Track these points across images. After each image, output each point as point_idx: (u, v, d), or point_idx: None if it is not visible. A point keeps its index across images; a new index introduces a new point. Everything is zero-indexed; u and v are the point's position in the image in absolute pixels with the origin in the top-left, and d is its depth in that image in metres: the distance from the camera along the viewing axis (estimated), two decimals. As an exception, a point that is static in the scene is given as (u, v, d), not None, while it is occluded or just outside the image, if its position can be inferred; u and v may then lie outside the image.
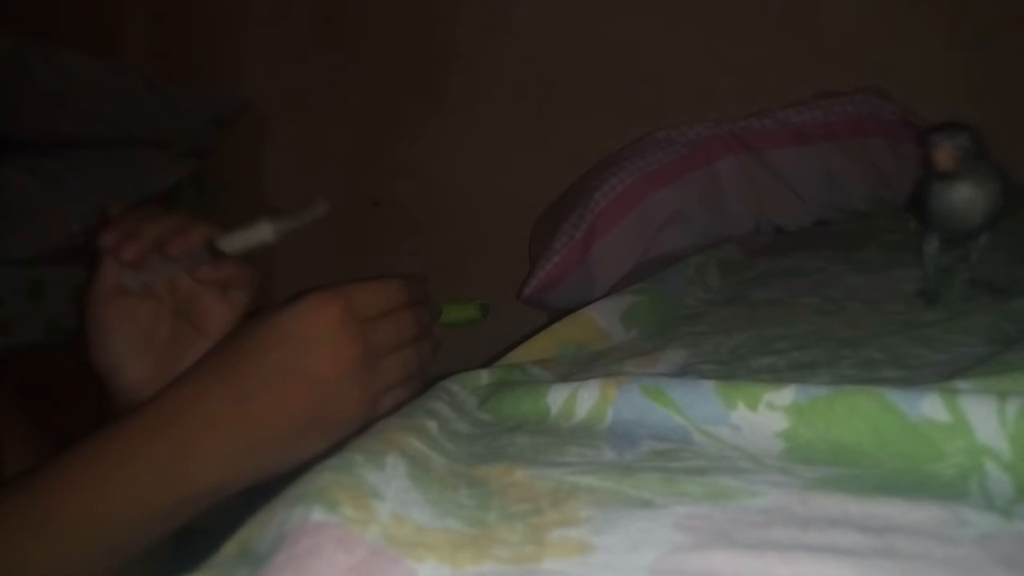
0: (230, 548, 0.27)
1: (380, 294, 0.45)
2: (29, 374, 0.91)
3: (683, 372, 0.46)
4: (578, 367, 0.50)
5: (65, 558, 0.39)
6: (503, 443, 0.36)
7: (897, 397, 0.31)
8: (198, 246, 0.49)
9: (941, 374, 0.40)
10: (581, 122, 1.31)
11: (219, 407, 0.41)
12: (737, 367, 0.45)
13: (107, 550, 0.39)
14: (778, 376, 0.43)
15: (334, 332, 0.42)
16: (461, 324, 1.14)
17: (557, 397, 0.39)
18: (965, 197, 0.53)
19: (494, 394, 0.43)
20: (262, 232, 0.50)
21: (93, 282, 0.50)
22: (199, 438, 0.40)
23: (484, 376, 0.47)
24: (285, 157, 1.47)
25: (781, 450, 0.32)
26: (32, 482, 0.39)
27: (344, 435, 0.43)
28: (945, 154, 0.51)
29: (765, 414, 0.33)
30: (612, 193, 1.01)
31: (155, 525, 0.40)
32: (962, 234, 0.57)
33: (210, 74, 1.47)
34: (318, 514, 0.25)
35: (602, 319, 0.57)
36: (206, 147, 1.36)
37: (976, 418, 0.29)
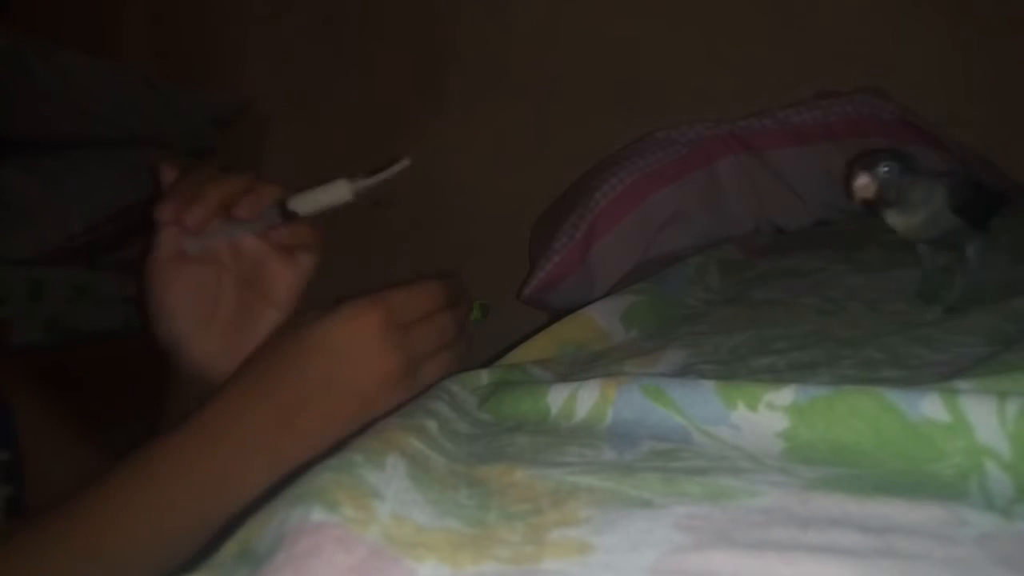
0: (230, 548, 0.27)
1: (419, 298, 0.45)
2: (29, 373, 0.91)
3: (683, 372, 0.46)
4: (578, 367, 0.50)
5: (118, 572, 0.39)
6: (503, 443, 0.36)
7: (897, 397, 0.31)
8: (268, 207, 0.47)
9: (941, 374, 0.40)
10: (581, 122, 1.31)
11: (264, 423, 0.41)
12: (737, 367, 0.45)
13: (158, 561, 0.40)
14: (778, 376, 0.43)
15: (376, 343, 0.42)
16: (461, 324, 1.14)
17: (557, 397, 0.39)
18: (897, 224, 0.53)
19: (494, 394, 0.43)
20: (339, 191, 0.48)
21: (152, 250, 0.48)
22: (246, 454, 0.40)
23: (484, 376, 0.47)
24: (285, 157, 1.47)
25: (781, 450, 0.32)
26: (84, 502, 0.40)
27: None
28: (860, 185, 0.51)
29: (765, 414, 0.33)
30: (612, 193, 1.01)
31: (205, 533, 0.40)
32: (940, 242, 0.56)
33: (210, 74, 1.47)
34: (318, 514, 0.25)
35: (602, 319, 0.57)
36: (206, 147, 1.36)
37: (976, 418, 0.29)
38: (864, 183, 0.50)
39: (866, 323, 0.52)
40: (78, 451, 0.56)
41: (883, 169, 0.50)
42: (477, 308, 1.16)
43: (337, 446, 0.32)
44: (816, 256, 0.75)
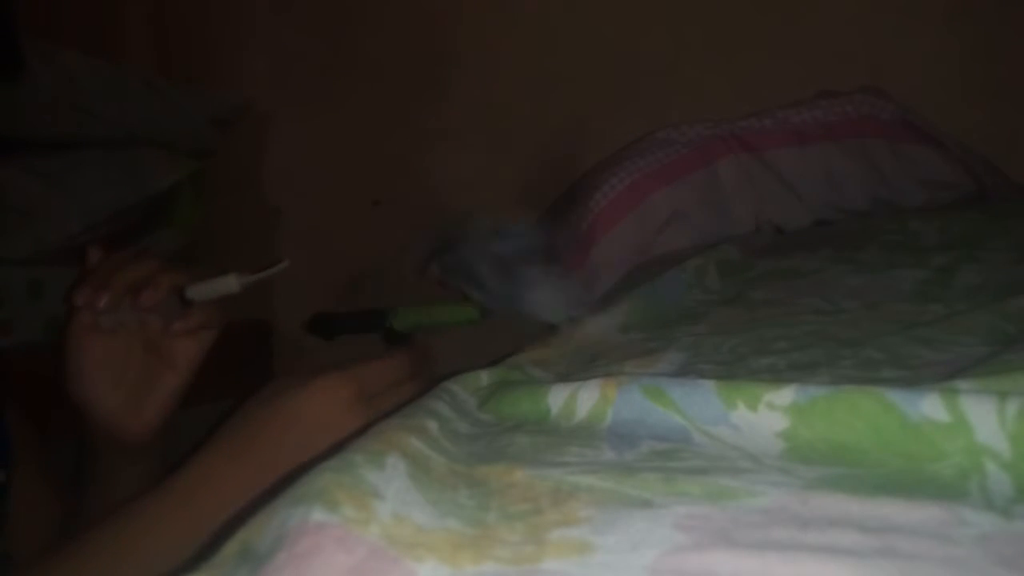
0: (230, 548, 0.27)
1: (386, 372, 0.49)
2: (29, 374, 0.91)
3: (683, 372, 0.46)
4: (578, 367, 0.50)
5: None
6: (503, 443, 0.36)
7: (897, 397, 0.31)
8: (169, 298, 0.53)
9: (941, 374, 0.40)
10: (581, 122, 1.31)
11: (238, 487, 0.43)
12: (737, 367, 0.45)
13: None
14: (778, 376, 0.43)
15: (345, 416, 0.45)
16: (461, 324, 1.14)
17: (557, 397, 0.39)
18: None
19: (494, 394, 0.43)
20: (229, 284, 0.55)
21: (69, 323, 0.54)
22: (214, 519, 0.42)
23: (484, 376, 0.47)
24: (285, 157, 1.47)
25: (781, 450, 0.32)
26: (57, 562, 0.42)
27: None
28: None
29: (765, 414, 0.33)
30: (612, 193, 1.01)
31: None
32: None
33: (210, 74, 1.47)
34: (318, 514, 0.25)
35: (602, 320, 0.57)
36: (206, 147, 1.36)
37: (976, 418, 0.29)
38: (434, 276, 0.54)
39: (866, 323, 0.52)
40: (55, 507, 0.59)
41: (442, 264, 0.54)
42: (477, 308, 1.16)
43: (335, 449, 0.32)
44: (816, 256, 0.75)
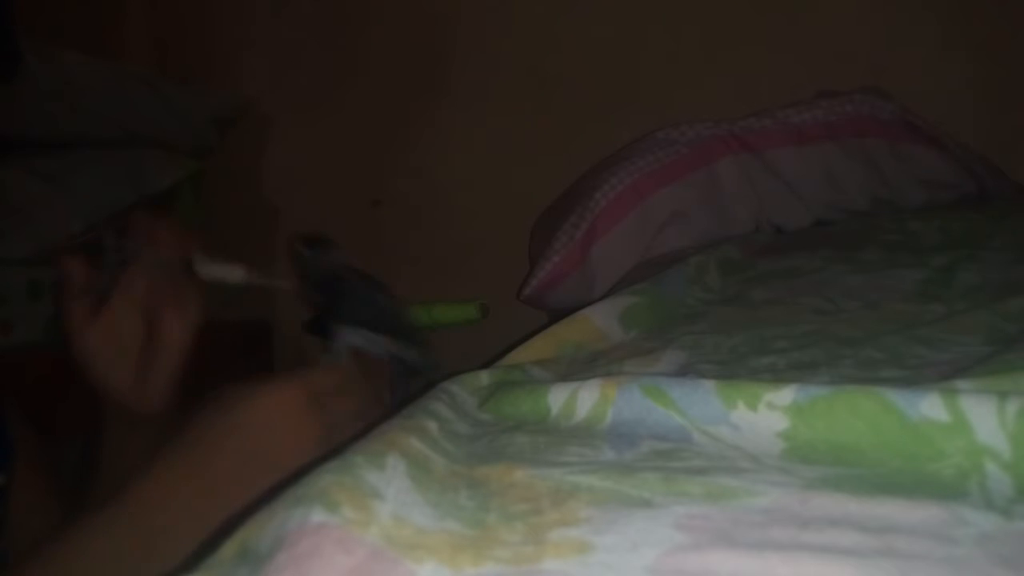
0: (230, 548, 0.27)
1: (334, 377, 0.49)
2: (30, 373, 0.91)
3: (683, 372, 0.46)
4: (578, 367, 0.50)
5: None
6: (503, 443, 0.36)
7: (897, 397, 0.30)
8: (180, 256, 0.54)
9: (941, 374, 0.40)
10: (581, 122, 1.31)
11: (191, 497, 0.44)
12: (737, 367, 0.45)
13: None
14: (778, 376, 0.43)
15: (296, 417, 0.45)
16: (461, 324, 1.14)
17: (557, 397, 0.39)
18: None
19: (494, 394, 0.43)
20: (236, 273, 0.56)
21: (66, 312, 0.54)
22: (170, 533, 0.43)
23: (484, 377, 0.47)
24: (285, 157, 1.48)
25: (781, 450, 0.32)
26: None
27: None
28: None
29: (765, 414, 0.33)
30: (612, 193, 1.01)
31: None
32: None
33: (210, 74, 1.47)
34: (318, 515, 0.25)
35: (601, 319, 0.57)
36: (206, 147, 1.36)
37: (976, 418, 0.29)
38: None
39: (866, 323, 0.52)
40: (54, 507, 0.59)
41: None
42: (477, 308, 1.16)
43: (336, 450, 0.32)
44: (816, 256, 0.75)
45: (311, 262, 0.57)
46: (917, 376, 0.40)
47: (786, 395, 0.33)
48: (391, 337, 0.57)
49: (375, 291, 0.59)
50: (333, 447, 0.45)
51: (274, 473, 0.44)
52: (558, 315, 0.59)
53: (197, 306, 0.56)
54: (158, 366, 0.54)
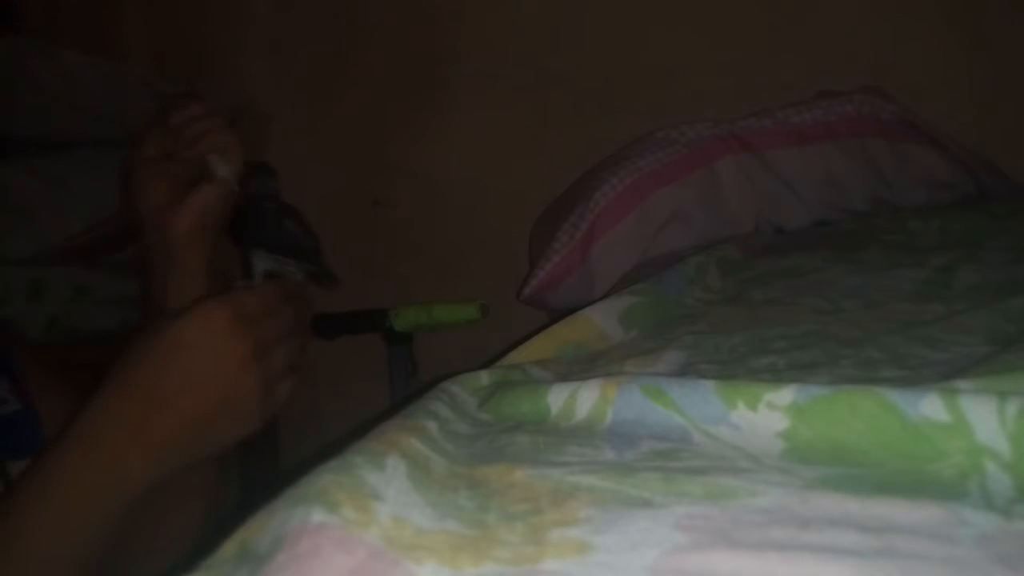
0: (230, 548, 0.27)
1: (260, 296, 0.52)
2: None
3: (683, 372, 0.46)
4: (578, 367, 0.50)
5: (37, 565, 0.45)
6: (503, 443, 0.36)
7: (897, 397, 0.30)
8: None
9: (941, 374, 0.40)
10: (581, 122, 1.31)
11: (139, 416, 0.46)
12: (737, 367, 0.45)
13: (67, 558, 0.45)
14: (778, 376, 0.43)
15: (226, 335, 0.48)
16: (461, 324, 1.14)
17: (557, 397, 0.39)
18: None
19: (494, 394, 0.43)
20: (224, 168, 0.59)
21: (139, 149, 0.60)
22: (126, 447, 0.46)
23: (484, 377, 0.47)
24: (285, 157, 1.47)
25: (781, 450, 0.32)
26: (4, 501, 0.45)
27: (250, 421, 0.50)
28: None
29: (765, 414, 0.33)
30: (612, 193, 1.01)
31: (101, 526, 0.46)
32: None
33: (210, 74, 1.47)
34: (318, 515, 0.25)
35: (601, 319, 0.57)
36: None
37: (976, 418, 0.29)
38: None
39: (866, 323, 0.52)
40: None
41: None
42: (476, 308, 1.16)
43: (339, 450, 0.32)
44: (816, 256, 0.75)
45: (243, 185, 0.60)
46: (917, 376, 0.40)
47: (786, 395, 0.33)
48: (297, 259, 0.61)
49: (284, 216, 0.62)
50: (264, 360, 0.49)
51: (210, 387, 0.48)
52: (558, 315, 0.59)
53: (239, 156, 0.60)
54: (199, 195, 0.57)
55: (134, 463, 0.46)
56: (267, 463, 1.32)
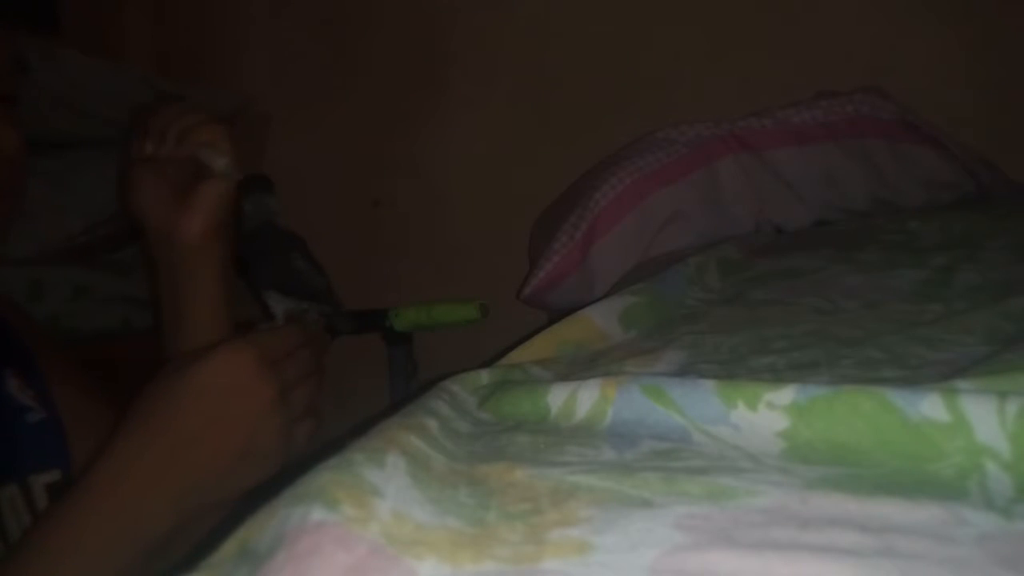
0: (229, 547, 0.27)
1: (283, 338, 0.52)
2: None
3: (683, 372, 0.46)
4: (578, 367, 0.50)
5: None
6: (503, 442, 0.36)
7: (897, 397, 0.30)
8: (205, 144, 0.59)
9: (941, 374, 0.40)
10: (581, 122, 1.31)
11: (157, 462, 0.45)
12: (737, 367, 0.45)
13: None
14: (778, 376, 0.43)
15: (252, 377, 0.47)
16: (461, 324, 1.14)
17: (557, 397, 0.39)
18: None
19: (494, 394, 0.43)
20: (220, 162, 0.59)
21: (129, 160, 0.60)
22: (145, 493, 0.45)
23: (484, 376, 0.47)
24: (285, 157, 1.47)
25: (781, 450, 0.32)
26: (20, 552, 0.44)
27: (272, 464, 0.49)
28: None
29: (765, 414, 0.33)
30: (612, 193, 1.01)
31: (128, 568, 0.45)
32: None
33: (210, 74, 1.47)
34: (318, 513, 0.25)
35: (601, 319, 0.57)
36: (206, 147, 1.36)
37: (976, 418, 0.29)
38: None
39: (866, 323, 0.52)
40: (107, 418, 0.61)
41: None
42: (476, 308, 1.16)
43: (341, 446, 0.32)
44: (816, 256, 0.75)
45: (243, 208, 0.59)
46: (917, 376, 0.40)
47: (786, 395, 0.33)
48: (312, 301, 0.60)
49: (291, 251, 0.60)
50: (287, 404, 0.48)
51: (235, 430, 0.47)
52: (558, 315, 0.59)
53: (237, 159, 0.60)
54: (205, 194, 0.57)
55: (155, 508, 0.45)
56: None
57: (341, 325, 0.64)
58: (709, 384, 0.35)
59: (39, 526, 0.45)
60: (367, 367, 1.26)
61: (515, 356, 0.53)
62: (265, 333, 0.52)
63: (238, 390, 0.47)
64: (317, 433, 0.53)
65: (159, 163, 0.59)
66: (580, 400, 0.38)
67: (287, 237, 0.61)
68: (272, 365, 0.48)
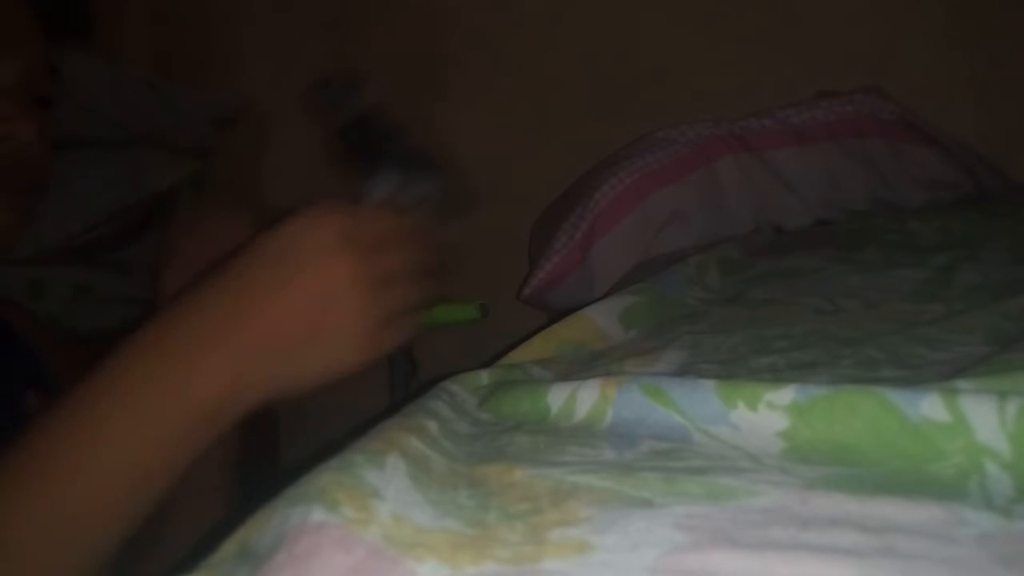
0: (229, 548, 0.27)
1: (381, 218, 0.46)
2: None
3: (683, 372, 0.46)
4: (578, 367, 0.50)
5: (92, 499, 0.38)
6: (503, 443, 0.36)
7: (897, 397, 0.30)
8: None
9: (941, 374, 0.40)
10: (581, 122, 1.31)
11: (223, 320, 0.41)
12: (737, 367, 0.45)
13: (130, 486, 0.39)
14: (778, 376, 0.43)
15: (330, 247, 0.43)
16: (461, 324, 1.14)
17: (557, 397, 0.39)
18: None
19: (494, 394, 0.43)
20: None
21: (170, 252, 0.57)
22: (205, 349, 0.40)
23: (484, 376, 0.47)
24: (285, 157, 1.47)
25: (781, 450, 0.32)
26: (48, 421, 0.39)
27: (345, 355, 0.43)
28: None
29: (765, 414, 0.33)
30: (612, 193, 1.01)
31: (172, 450, 0.40)
32: None
33: (210, 74, 1.47)
34: (318, 514, 0.25)
35: (601, 319, 0.57)
36: (206, 147, 1.36)
37: (976, 418, 0.29)
38: None
39: (866, 323, 0.52)
40: None
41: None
42: (476, 308, 1.16)
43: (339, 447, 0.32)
44: (816, 256, 0.75)
45: (334, 102, 0.54)
46: (917, 375, 0.40)
47: (786, 395, 0.33)
48: (430, 173, 0.53)
49: (399, 129, 0.55)
50: (374, 294, 0.43)
51: (307, 299, 0.42)
52: (558, 315, 0.59)
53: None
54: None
55: (208, 369, 0.40)
56: (267, 463, 1.32)
57: (465, 202, 0.56)
58: (709, 384, 0.35)
59: (84, 385, 0.39)
60: (367, 367, 1.26)
61: (515, 356, 0.53)
62: (363, 211, 0.46)
63: (313, 259, 0.42)
64: (413, 338, 0.46)
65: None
66: (580, 400, 0.38)
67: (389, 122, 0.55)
68: (363, 243, 0.43)
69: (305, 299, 0.42)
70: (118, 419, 0.39)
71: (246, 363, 0.41)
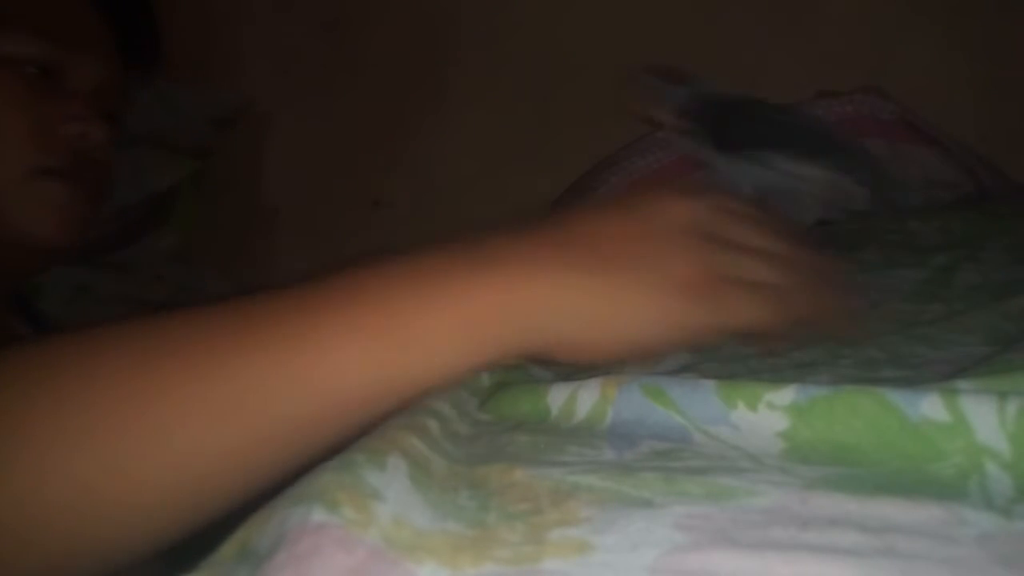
0: (229, 548, 0.27)
1: (751, 217, 0.39)
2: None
3: (683, 372, 0.46)
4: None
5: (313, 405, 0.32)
6: (503, 443, 0.36)
7: (897, 397, 0.30)
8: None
9: (942, 373, 0.40)
10: (582, 122, 1.31)
11: (523, 243, 0.39)
12: (737, 367, 0.45)
13: (360, 400, 0.34)
14: (778, 376, 0.43)
15: (669, 248, 0.36)
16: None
17: (557, 397, 0.39)
18: None
19: (494, 394, 0.43)
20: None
21: None
22: (494, 266, 0.37)
23: (484, 377, 0.47)
24: (285, 157, 1.48)
25: (781, 450, 0.32)
26: (220, 333, 0.31)
27: (652, 314, 0.37)
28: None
29: (765, 414, 0.33)
30: (612, 193, 1.01)
31: (372, 409, 0.34)
32: None
33: (210, 74, 1.47)
34: (318, 514, 0.25)
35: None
36: (206, 147, 1.36)
37: (976, 418, 0.29)
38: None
39: (866, 323, 0.52)
40: None
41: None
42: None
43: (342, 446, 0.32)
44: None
45: (676, 95, 0.47)
46: (917, 375, 0.40)
47: (786, 395, 0.33)
48: (818, 159, 0.43)
49: (766, 106, 0.44)
50: (719, 307, 0.36)
51: (633, 232, 0.37)
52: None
53: None
54: None
55: (489, 291, 0.34)
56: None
57: (887, 188, 0.43)
58: (709, 384, 0.35)
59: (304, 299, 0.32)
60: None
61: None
62: (719, 195, 0.39)
63: (650, 211, 0.36)
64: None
65: None
66: (580, 400, 0.38)
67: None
68: (712, 241, 0.37)
69: (631, 228, 0.37)
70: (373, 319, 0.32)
71: (490, 349, 0.36)
